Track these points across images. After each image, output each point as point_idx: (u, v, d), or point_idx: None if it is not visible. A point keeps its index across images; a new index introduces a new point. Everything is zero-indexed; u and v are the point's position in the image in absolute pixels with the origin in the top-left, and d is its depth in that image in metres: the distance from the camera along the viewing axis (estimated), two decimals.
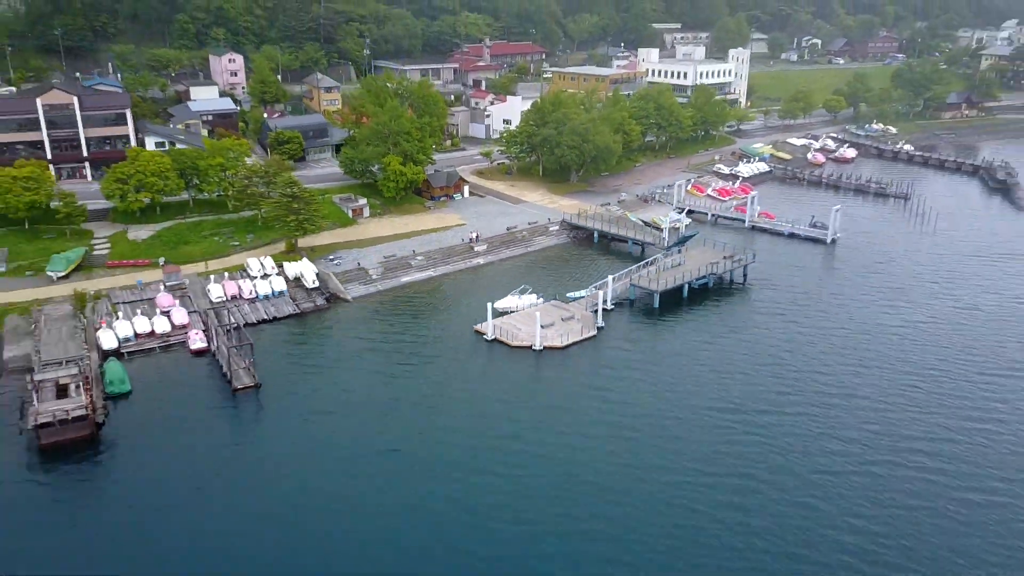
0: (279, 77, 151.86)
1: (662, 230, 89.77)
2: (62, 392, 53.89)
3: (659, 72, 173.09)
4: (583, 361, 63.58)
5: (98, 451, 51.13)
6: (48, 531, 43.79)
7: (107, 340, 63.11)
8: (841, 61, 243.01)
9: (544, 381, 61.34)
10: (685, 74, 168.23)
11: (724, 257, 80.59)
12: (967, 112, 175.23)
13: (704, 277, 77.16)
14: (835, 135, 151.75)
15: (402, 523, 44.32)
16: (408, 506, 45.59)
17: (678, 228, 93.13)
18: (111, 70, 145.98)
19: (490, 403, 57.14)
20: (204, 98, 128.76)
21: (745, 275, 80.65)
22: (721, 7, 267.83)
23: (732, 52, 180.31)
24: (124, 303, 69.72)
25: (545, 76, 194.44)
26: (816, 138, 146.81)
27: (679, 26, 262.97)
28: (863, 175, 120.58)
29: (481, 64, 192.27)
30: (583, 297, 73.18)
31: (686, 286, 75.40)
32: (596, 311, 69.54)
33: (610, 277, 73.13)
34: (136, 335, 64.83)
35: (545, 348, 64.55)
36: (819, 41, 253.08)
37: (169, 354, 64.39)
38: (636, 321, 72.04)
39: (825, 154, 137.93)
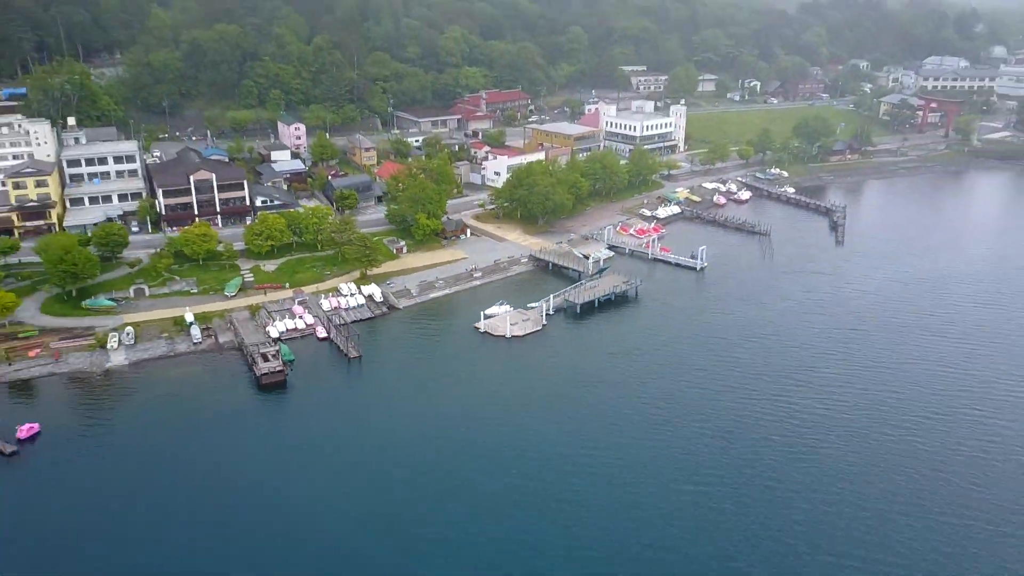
0: (327, 134, 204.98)
1: (591, 261, 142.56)
2: (265, 358, 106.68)
3: (615, 124, 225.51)
4: (532, 342, 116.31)
5: (288, 388, 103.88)
6: (269, 424, 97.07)
7: (273, 332, 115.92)
8: (775, 101, 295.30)
9: (510, 353, 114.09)
10: (634, 128, 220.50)
11: (623, 281, 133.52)
12: (850, 156, 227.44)
13: (608, 294, 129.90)
14: (741, 179, 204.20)
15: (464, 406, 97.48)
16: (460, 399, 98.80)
17: (599, 260, 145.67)
18: (209, 137, 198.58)
19: (479, 361, 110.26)
20: (281, 159, 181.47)
21: (636, 292, 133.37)
22: (678, 52, 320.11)
23: (672, 108, 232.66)
24: (274, 311, 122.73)
25: (531, 121, 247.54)
26: (724, 183, 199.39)
27: (644, 68, 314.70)
28: (740, 216, 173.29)
29: (479, 114, 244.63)
30: (536, 306, 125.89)
31: (596, 300, 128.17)
32: (542, 314, 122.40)
33: (552, 295, 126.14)
34: (287, 329, 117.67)
35: (512, 336, 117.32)
36: (758, 83, 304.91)
37: (306, 340, 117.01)
38: (565, 321, 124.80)
39: (726, 196, 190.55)
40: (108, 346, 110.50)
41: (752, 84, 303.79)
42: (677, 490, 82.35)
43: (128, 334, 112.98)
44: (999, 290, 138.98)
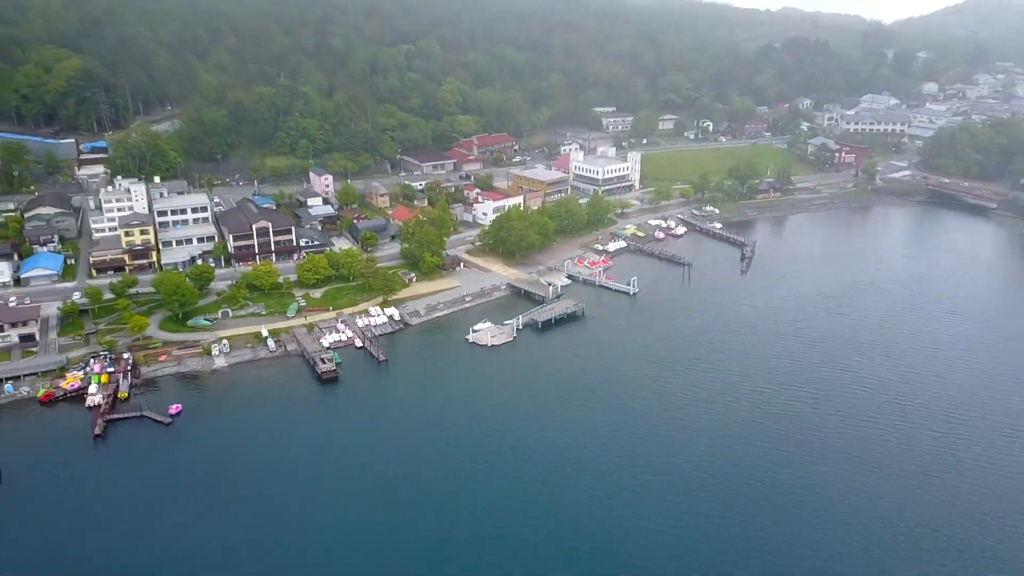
0: (348, 180, 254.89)
1: (551, 288, 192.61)
2: (323, 362, 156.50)
3: (582, 168, 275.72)
4: (506, 349, 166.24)
5: (340, 382, 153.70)
6: (331, 406, 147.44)
7: (325, 342, 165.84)
8: (724, 140, 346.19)
9: (490, 357, 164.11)
10: (597, 172, 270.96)
11: (574, 304, 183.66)
12: (773, 194, 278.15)
13: (563, 314, 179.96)
14: (680, 215, 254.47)
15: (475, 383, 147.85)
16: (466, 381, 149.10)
17: (558, 287, 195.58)
18: (256, 185, 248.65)
19: (468, 363, 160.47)
20: (315, 205, 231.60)
21: (584, 312, 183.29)
22: (644, 94, 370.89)
23: (629, 155, 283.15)
24: (324, 327, 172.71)
25: (515, 160, 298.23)
26: (665, 219, 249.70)
27: (614, 109, 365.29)
28: (672, 249, 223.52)
29: (471, 158, 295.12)
30: (510, 323, 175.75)
31: (554, 318, 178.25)
32: (514, 329, 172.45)
33: (521, 315, 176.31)
34: (334, 341, 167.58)
35: (492, 345, 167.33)
36: (711, 123, 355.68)
37: (347, 348, 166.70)
38: (530, 334, 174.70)
39: (665, 232, 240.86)
40: (212, 353, 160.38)
41: (705, 124, 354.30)
42: (594, 448, 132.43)
43: (224, 345, 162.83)
44: (850, 303, 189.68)
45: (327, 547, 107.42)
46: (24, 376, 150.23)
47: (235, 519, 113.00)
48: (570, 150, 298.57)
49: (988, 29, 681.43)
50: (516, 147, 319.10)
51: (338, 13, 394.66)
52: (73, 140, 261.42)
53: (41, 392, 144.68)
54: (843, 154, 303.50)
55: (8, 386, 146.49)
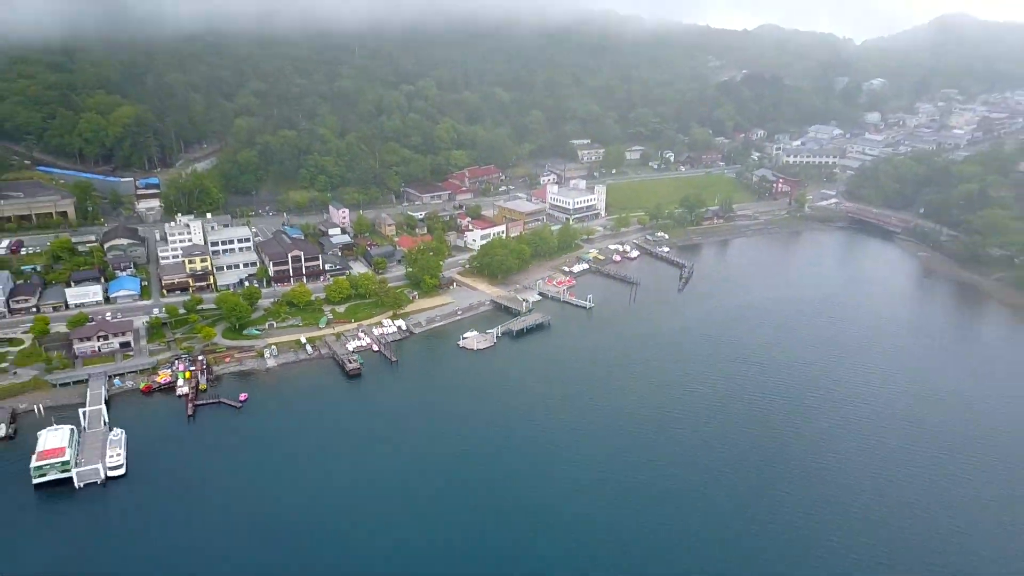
0: (360, 211, 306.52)
1: (524, 303, 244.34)
2: (349, 362, 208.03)
3: (556, 199, 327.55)
4: (488, 352, 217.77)
5: (363, 377, 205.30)
6: (357, 393, 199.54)
7: (350, 347, 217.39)
8: (683, 169, 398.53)
9: (476, 358, 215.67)
10: (569, 202, 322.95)
11: (542, 316, 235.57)
12: (717, 220, 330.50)
13: (533, 324, 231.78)
14: (636, 240, 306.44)
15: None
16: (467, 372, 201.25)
17: (529, 303, 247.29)
18: (285, 217, 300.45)
19: (458, 361, 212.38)
20: (335, 234, 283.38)
21: (550, 324, 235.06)
22: (615, 128, 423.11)
23: (596, 188, 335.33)
24: (348, 335, 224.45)
25: (501, 190, 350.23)
26: (622, 244, 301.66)
27: (588, 141, 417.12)
28: (624, 271, 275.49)
29: (463, 189, 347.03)
30: (491, 332, 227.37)
31: (526, 328, 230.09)
32: (495, 337, 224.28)
33: (500, 325, 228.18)
34: (357, 345, 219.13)
35: (478, 349, 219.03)
36: (672, 154, 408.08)
37: (366, 352, 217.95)
38: (508, 341, 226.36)
39: (621, 255, 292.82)
40: (264, 356, 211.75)
41: (667, 155, 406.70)
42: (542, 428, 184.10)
43: (273, 349, 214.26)
44: (765, 313, 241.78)
45: (361, 488, 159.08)
46: (127, 373, 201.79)
47: (295, 474, 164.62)
48: (547, 182, 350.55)
49: (949, 52, 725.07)
50: (503, 177, 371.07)
51: (346, 54, 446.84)
52: (131, 178, 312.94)
53: (142, 385, 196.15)
54: (780, 185, 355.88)
55: (117, 380, 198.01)
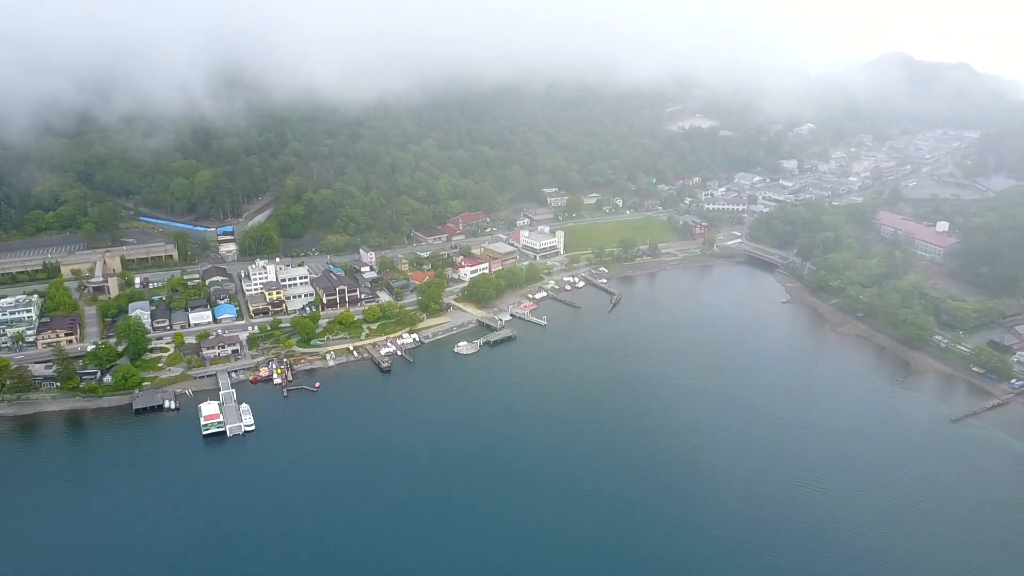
0: (384, 253, 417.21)
1: (499, 321, 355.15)
2: (383, 363, 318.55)
3: (527, 241, 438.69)
4: (474, 357, 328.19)
5: (391, 374, 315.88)
6: (390, 385, 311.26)
7: (383, 352, 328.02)
8: (629, 213, 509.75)
9: (466, 360, 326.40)
10: (536, 244, 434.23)
11: (512, 331, 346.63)
12: (646, 257, 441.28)
13: (505, 337, 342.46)
14: (583, 273, 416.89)
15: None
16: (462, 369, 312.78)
17: (502, 321, 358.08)
18: (327, 259, 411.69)
19: (454, 362, 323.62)
20: (365, 271, 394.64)
21: (516, 336, 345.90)
22: (578, 178, 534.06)
23: (557, 232, 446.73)
24: (380, 345, 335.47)
25: (487, 231, 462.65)
26: (573, 276, 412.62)
27: (556, 189, 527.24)
28: (571, 297, 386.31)
29: (458, 231, 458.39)
30: (477, 342, 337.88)
31: (500, 339, 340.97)
32: (479, 345, 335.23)
33: (482, 337, 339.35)
34: (387, 351, 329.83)
35: (467, 354, 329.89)
36: (620, 200, 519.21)
37: (393, 356, 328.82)
38: (487, 349, 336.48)
39: (571, 285, 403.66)
40: (326, 359, 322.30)
41: (617, 200, 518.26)
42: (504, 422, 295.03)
43: (331, 354, 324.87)
44: (667, 330, 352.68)
45: (404, 451, 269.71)
46: (239, 370, 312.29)
47: (354, 429, 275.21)
48: (521, 226, 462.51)
49: (879, 94, 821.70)
50: (488, 220, 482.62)
51: (364, 115, 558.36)
52: (212, 227, 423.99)
53: (251, 377, 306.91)
54: (698, 228, 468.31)
55: (233, 375, 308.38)
